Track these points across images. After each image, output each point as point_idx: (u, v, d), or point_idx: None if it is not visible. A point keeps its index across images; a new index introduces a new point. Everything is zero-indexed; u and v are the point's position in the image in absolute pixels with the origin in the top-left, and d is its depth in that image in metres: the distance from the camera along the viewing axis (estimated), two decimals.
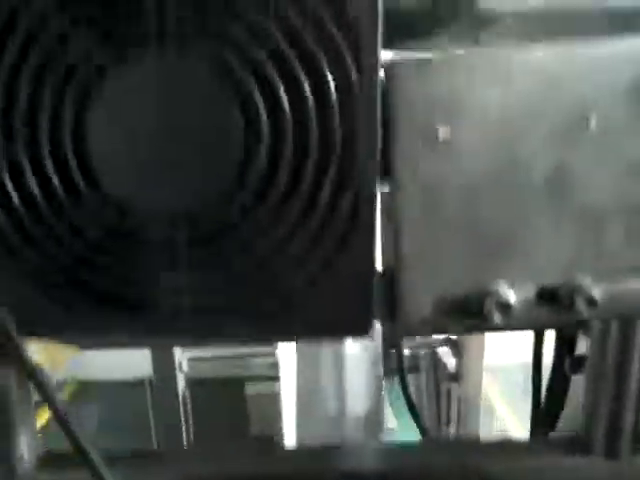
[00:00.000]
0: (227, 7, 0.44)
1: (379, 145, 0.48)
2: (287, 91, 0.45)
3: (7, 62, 0.44)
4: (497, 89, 0.53)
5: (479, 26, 0.70)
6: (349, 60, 0.45)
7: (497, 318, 0.55)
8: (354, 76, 0.45)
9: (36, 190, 0.45)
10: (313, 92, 0.45)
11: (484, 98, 0.53)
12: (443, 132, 0.52)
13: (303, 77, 0.44)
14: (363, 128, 0.46)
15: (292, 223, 0.46)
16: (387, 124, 0.51)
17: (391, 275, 0.55)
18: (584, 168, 0.56)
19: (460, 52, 0.53)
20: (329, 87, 0.45)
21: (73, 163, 0.45)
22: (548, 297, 0.57)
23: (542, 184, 0.55)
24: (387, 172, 0.52)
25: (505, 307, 0.55)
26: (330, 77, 0.45)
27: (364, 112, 0.46)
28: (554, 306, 0.57)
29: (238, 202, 0.45)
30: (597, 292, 0.56)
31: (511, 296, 0.56)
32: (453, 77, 0.52)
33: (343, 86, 0.45)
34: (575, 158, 0.55)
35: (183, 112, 0.45)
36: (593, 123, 0.55)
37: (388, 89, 0.50)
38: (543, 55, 0.54)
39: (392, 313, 0.54)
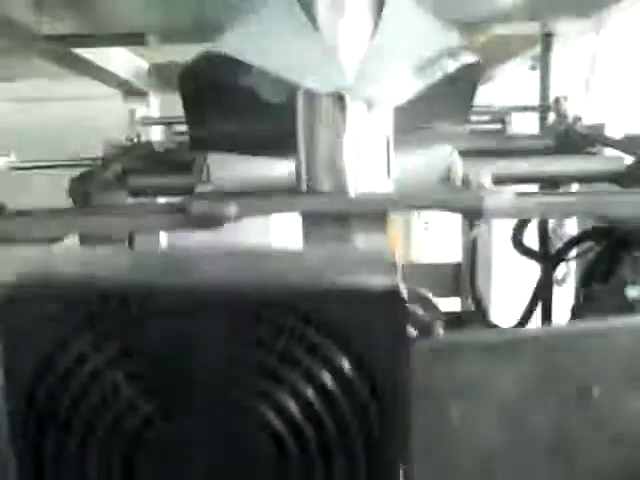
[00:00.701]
0: (265, 369, 0.47)
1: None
2: (315, 434, 0.47)
3: (59, 416, 0.46)
4: (508, 368, 0.56)
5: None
6: (374, 413, 0.47)
7: None
8: (377, 428, 0.48)
9: None
10: (338, 437, 0.47)
11: (495, 378, 0.55)
12: (456, 411, 0.55)
13: (330, 425, 0.47)
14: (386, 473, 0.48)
15: None
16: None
17: None
18: (585, 432, 0.58)
19: (469, 336, 0.56)
20: (354, 435, 0.47)
21: None
22: None
23: (547, 449, 0.58)
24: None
25: None
26: (356, 427, 0.47)
27: (386, 462, 0.48)
28: None
29: None
30: None
31: None
32: (464, 360, 0.55)
33: (368, 436, 0.48)
34: (577, 424, 0.58)
35: (226, 456, 0.47)
36: (596, 394, 0.57)
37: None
38: (547, 335, 0.58)
39: None
